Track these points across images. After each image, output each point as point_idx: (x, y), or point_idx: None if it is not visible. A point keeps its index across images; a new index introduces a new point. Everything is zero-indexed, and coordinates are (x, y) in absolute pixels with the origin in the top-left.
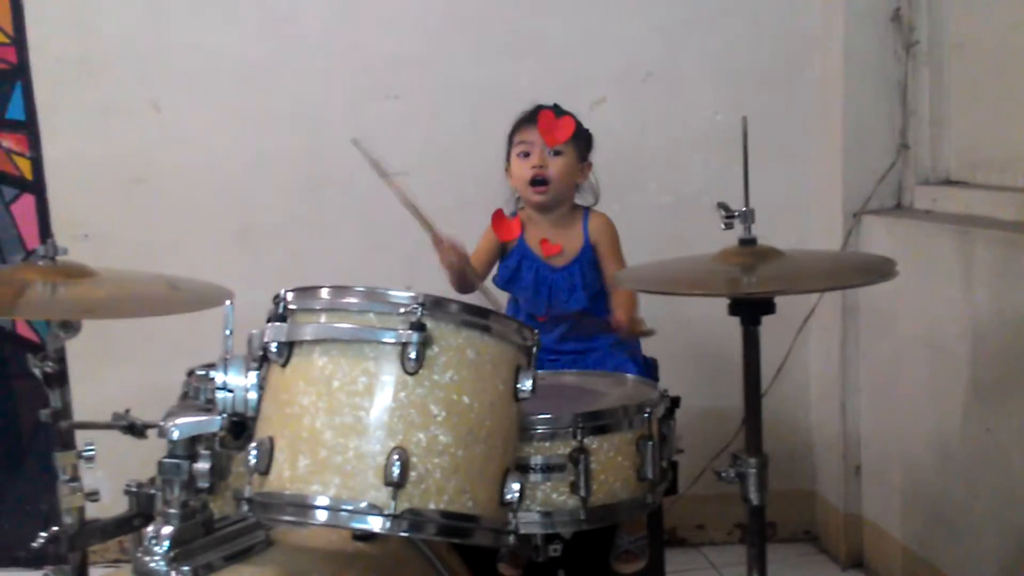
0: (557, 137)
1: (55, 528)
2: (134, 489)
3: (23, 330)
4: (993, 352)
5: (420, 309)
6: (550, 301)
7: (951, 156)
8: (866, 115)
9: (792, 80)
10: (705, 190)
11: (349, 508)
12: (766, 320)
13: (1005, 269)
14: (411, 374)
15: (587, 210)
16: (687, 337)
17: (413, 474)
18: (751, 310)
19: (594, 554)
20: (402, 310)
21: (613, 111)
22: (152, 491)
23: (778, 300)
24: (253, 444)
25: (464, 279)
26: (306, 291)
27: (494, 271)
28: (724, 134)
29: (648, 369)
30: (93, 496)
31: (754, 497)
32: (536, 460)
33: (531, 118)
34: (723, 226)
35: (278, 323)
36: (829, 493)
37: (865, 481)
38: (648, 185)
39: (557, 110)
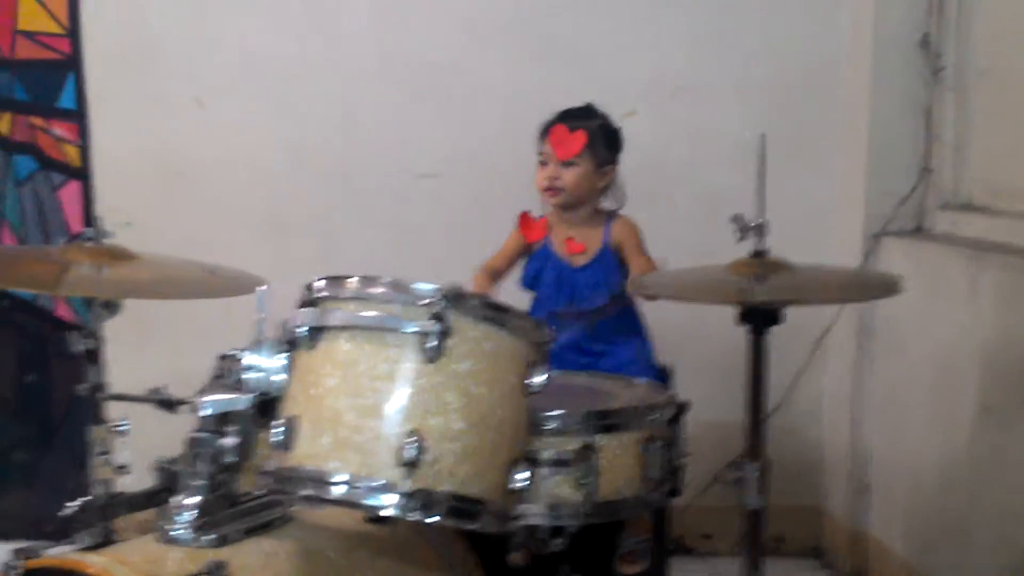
0: (567, 151)
1: (85, 498)
2: (163, 466)
3: (63, 312)
4: (1000, 375)
5: (442, 302)
6: (571, 300)
7: (973, 182)
8: (890, 137)
9: (819, 100)
10: (728, 204)
11: (365, 485)
12: (782, 335)
13: (1016, 295)
14: (430, 362)
15: (611, 215)
16: (705, 349)
17: (427, 456)
18: (759, 319)
19: (598, 553)
20: (425, 302)
21: (642, 123)
22: (179, 468)
23: (795, 316)
24: (278, 421)
25: None
26: (336, 280)
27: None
28: (750, 150)
29: (662, 377)
30: (123, 469)
31: (753, 501)
32: (546, 454)
33: (547, 130)
34: (737, 237)
35: (308, 309)
36: (836, 509)
37: (873, 498)
38: (673, 196)
39: (572, 124)
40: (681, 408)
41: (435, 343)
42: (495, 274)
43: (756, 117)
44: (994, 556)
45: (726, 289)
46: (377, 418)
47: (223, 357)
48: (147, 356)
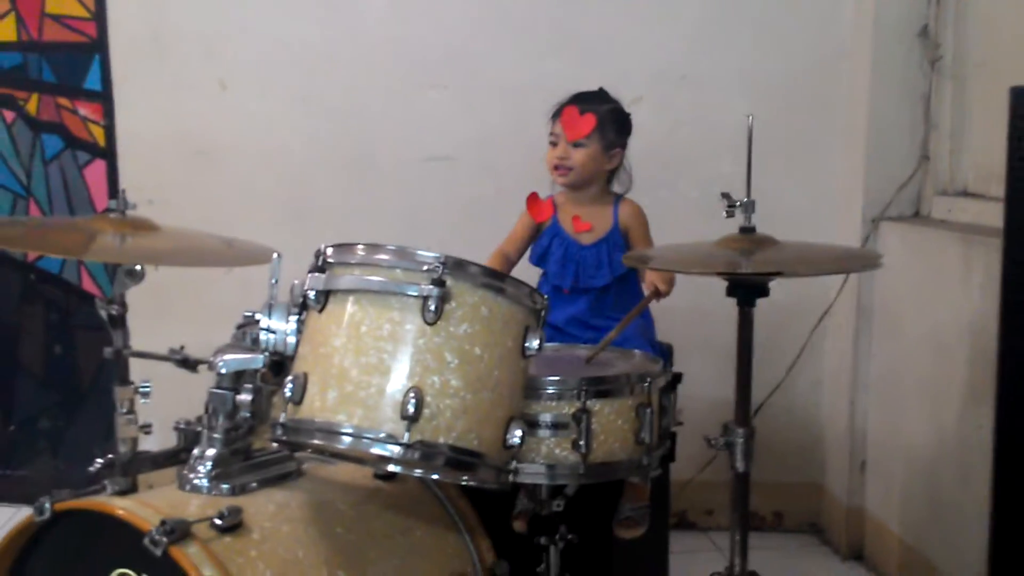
0: (577, 132)
1: (110, 455)
2: (182, 426)
3: (88, 285)
4: (987, 354)
5: (442, 268)
6: (577, 276)
7: (969, 169)
8: (889, 125)
9: (821, 88)
10: (731, 188)
11: (370, 436)
12: (783, 317)
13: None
14: (430, 324)
15: (618, 197)
16: (708, 332)
17: (426, 411)
18: (747, 291)
19: (598, 517)
20: (426, 268)
21: (647, 110)
22: (198, 428)
23: (795, 298)
24: (289, 378)
25: None
26: (344, 247)
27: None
28: (754, 136)
29: (662, 353)
30: (146, 428)
31: (740, 465)
32: (544, 417)
33: (559, 112)
34: (725, 214)
35: (317, 273)
36: (835, 487)
37: (869, 476)
38: (677, 181)
39: (583, 107)
40: (674, 379)
41: (435, 306)
42: (507, 259)
43: (760, 105)
44: (978, 530)
45: (714, 262)
46: (380, 375)
47: (240, 327)
48: (167, 329)
